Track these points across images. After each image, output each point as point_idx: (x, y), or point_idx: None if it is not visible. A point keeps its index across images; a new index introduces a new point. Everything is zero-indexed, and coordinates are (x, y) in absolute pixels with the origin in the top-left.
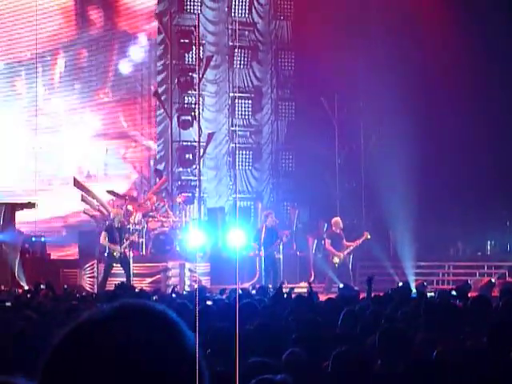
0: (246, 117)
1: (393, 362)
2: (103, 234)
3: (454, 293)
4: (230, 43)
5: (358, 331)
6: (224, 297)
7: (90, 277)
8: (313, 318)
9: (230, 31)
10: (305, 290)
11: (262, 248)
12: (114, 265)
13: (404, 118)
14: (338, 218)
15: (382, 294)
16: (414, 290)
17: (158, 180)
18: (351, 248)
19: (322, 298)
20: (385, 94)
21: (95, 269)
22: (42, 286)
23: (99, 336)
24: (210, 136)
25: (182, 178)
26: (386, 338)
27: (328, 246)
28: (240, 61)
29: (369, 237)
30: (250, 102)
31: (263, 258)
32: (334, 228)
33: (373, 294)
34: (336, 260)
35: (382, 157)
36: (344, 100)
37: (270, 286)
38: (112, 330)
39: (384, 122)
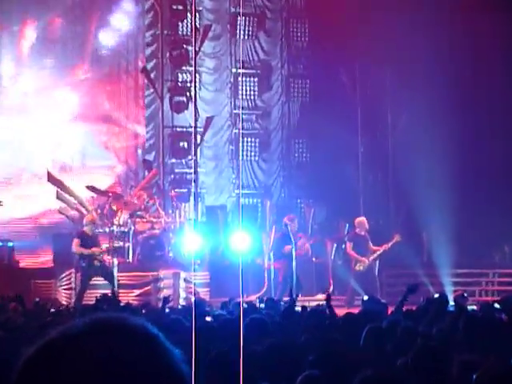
0: (252, 97)
1: None
2: (75, 241)
3: (497, 305)
4: (232, 10)
5: (385, 352)
6: (226, 312)
7: (66, 289)
8: (332, 337)
9: None
10: (322, 304)
11: (273, 258)
12: (94, 275)
13: (442, 95)
14: (362, 218)
15: (414, 308)
16: (451, 303)
17: (146, 173)
18: (378, 253)
19: (343, 312)
20: (418, 67)
21: (73, 279)
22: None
23: (71, 352)
24: (209, 120)
25: (176, 170)
26: (421, 360)
27: (350, 250)
28: (244, 31)
29: (399, 239)
30: (255, 79)
31: (272, 266)
32: (357, 229)
33: (404, 308)
34: (359, 267)
35: (413, 144)
36: (367, 76)
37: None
38: (85, 345)
39: (416, 102)
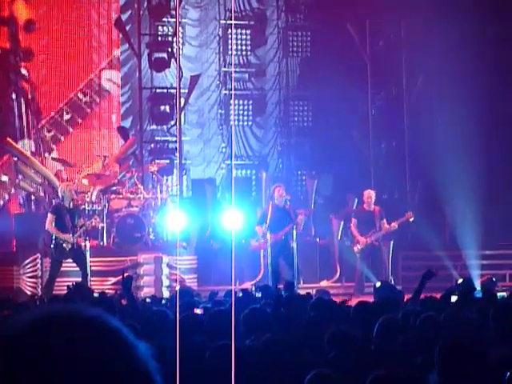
0: (244, 53)
1: None
2: (49, 217)
3: None
4: None
5: (400, 346)
6: (212, 303)
7: (31, 276)
8: (344, 330)
9: None
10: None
11: (269, 234)
12: (65, 260)
13: (467, 48)
14: (370, 191)
15: (434, 296)
16: (478, 289)
17: (122, 142)
18: (380, 233)
19: (353, 301)
20: (437, 17)
21: (39, 266)
22: None
23: (11, 356)
24: (194, 80)
25: (156, 138)
26: (445, 356)
27: (353, 227)
28: None
29: (412, 219)
30: (248, 32)
31: (270, 248)
32: (365, 204)
33: (422, 296)
34: (357, 248)
35: (432, 106)
36: (379, 28)
37: (281, 285)
38: (29, 346)
39: (436, 57)
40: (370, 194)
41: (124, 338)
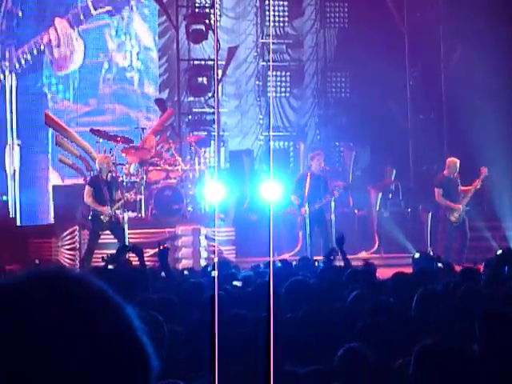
0: (281, 24)
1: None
2: (87, 189)
3: None
4: None
5: (442, 317)
6: (254, 273)
7: (69, 249)
8: (383, 301)
9: None
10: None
11: (306, 204)
12: (102, 232)
13: (507, 23)
14: (454, 159)
15: (473, 266)
16: None
17: (160, 114)
18: (469, 195)
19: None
20: None
21: (77, 238)
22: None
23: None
24: (232, 51)
25: (194, 110)
26: (491, 326)
27: (439, 197)
28: None
29: (487, 174)
30: (285, 3)
31: (308, 219)
32: (446, 172)
33: (459, 267)
34: (455, 217)
35: (471, 76)
36: None
37: (319, 257)
38: (12, 305)
39: (474, 29)
40: (455, 162)
41: (108, 298)
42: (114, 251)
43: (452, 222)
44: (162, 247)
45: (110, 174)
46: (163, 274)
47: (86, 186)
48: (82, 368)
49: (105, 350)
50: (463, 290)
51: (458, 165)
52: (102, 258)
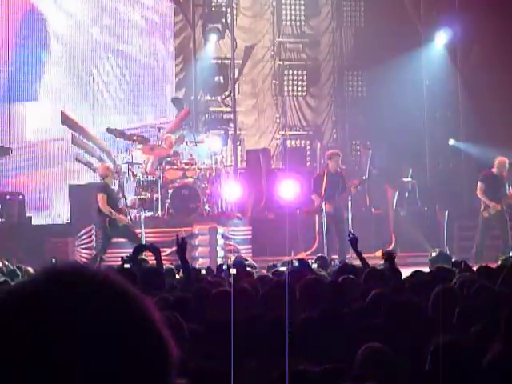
0: (298, 23)
1: None
2: (100, 197)
3: None
4: None
5: (458, 315)
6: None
7: (85, 248)
8: (399, 301)
9: None
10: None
11: (324, 203)
12: (115, 235)
13: None
14: (504, 158)
15: (491, 265)
16: None
17: (176, 113)
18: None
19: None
20: None
21: (93, 237)
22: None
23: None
24: (248, 50)
25: (211, 109)
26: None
27: (480, 192)
28: None
29: None
30: (302, 2)
31: (325, 218)
32: (494, 169)
33: (476, 266)
34: (489, 212)
35: (488, 74)
36: None
37: (336, 256)
38: (32, 308)
39: (490, 28)
40: (505, 161)
41: (127, 291)
42: (130, 250)
43: (484, 217)
44: (181, 239)
45: (113, 182)
46: (180, 273)
47: (99, 195)
48: (106, 363)
49: (125, 344)
50: (478, 289)
51: (508, 164)
52: (121, 257)
